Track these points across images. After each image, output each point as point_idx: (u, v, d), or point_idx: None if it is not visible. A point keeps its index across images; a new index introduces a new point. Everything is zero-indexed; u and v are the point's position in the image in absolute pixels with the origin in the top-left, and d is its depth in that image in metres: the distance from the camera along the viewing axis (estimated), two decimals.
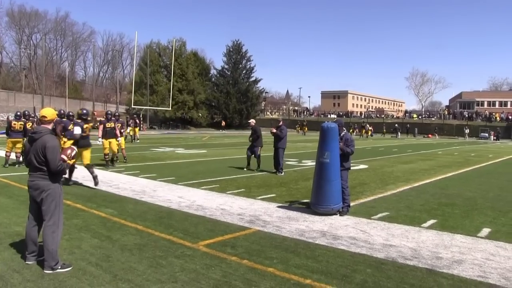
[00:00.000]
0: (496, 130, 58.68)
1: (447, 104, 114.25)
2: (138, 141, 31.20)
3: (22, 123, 14.57)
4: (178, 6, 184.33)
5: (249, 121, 16.28)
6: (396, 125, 60.33)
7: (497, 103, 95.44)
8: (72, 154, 5.23)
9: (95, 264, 5.14)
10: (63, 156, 5.09)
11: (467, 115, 71.89)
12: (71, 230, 6.52)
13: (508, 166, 19.57)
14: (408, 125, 64.08)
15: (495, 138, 56.31)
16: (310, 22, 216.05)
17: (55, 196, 4.99)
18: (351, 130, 55.99)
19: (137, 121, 34.06)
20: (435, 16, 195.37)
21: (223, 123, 70.14)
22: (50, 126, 5.18)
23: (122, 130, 17.33)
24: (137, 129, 32.75)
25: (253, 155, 14.89)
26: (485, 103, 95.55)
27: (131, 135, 31.53)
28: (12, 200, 8.94)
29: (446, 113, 78.42)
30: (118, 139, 16.10)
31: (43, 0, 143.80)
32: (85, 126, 11.21)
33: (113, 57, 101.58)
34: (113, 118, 15.99)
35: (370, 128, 57.97)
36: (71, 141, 14.59)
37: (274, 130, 14.35)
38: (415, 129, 62.97)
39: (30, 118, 15.46)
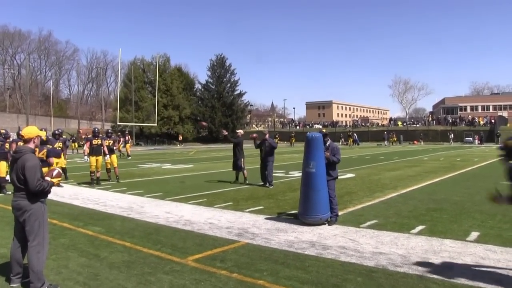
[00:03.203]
0: (479, 134, 59.33)
1: (431, 110, 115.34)
2: (129, 157, 30.90)
3: None
4: (161, 22, 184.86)
5: (237, 131, 16.14)
6: (385, 132, 60.61)
7: (479, 108, 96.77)
8: (54, 174, 5.16)
9: (83, 283, 5.05)
10: (47, 177, 5.01)
11: (451, 121, 72.67)
12: (57, 250, 6.43)
13: (494, 169, 19.71)
14: (393, 133, 64.43)
15: (479, 142, 56.92)
16: (292, 34, 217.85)
17: (38, 216, 4.90)
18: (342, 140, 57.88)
19: (128, 137, 33.95)
20: (416, 24, 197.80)
21: (180, 137, 66.66)
22: (32, 145, 5.11)
23: (114, 147, 16.81)
24: (128, 146, 32.67)
25: (239, 170, 14.82)
26: (468, 108, 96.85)
27: (127, 152, 32.03)
28: None
29: (430, 119, 79.22)
30: (106, 157, 15.80)
31: (26, 19, 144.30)
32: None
33: (97, 75, 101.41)
34: (100, 135, 15.74)
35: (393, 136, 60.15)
36: (57, 159, 14.54)
37: (254, 135, 14.61)
38: (401, 136, 63.35)
39: (7, 140, 14.20)
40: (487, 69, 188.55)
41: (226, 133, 15.46)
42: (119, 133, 37.27)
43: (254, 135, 15.28)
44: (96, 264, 5.78)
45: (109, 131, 18.52)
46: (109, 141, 16.00)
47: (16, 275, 4.98)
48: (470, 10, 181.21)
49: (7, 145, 13.12)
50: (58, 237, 7.24)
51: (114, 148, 16.75)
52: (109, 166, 15.85)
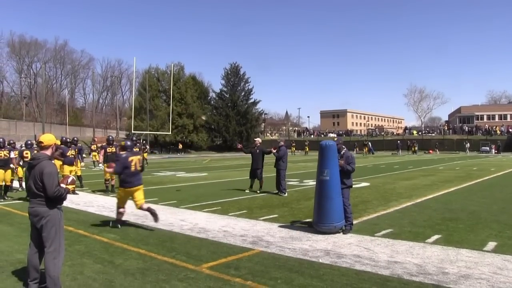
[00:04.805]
0: (497, 143, 58.67)
1: (447, 119, 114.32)
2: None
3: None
4: (175, 31, 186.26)
5: (255, 139, 16.14)
6: (399, 142, 60.42)
7: (496, 117, 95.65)
8: (69, 181, 5.25)
9: None
10: (62, 184, 5.08)
11: (467, 130, 71.97)
12: (73, 256, 6.48)
13: (511, 178, 19.49)
14: (408, 142, 63.99)
15: (496, 151, 56.26)
16: (308, 43, 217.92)
17: (55, 222, 4.95)
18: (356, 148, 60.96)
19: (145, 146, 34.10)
20: (431, 32, 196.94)
21: (180, 146, 66.43)
22: (49, 152, 5.18)
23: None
24: (145, 154, 32.69)
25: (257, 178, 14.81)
26: (485, 117, 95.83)
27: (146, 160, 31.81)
28: (13, 227, 8.90)
29: (446, 128, 78.46)
30: None
31: (43, 29, 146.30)
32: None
33: (112, 84, 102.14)
34: (115, 143, 15.76)
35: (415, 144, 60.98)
36: (71, 167, 14.75)
37: (274, 150, 14.31)
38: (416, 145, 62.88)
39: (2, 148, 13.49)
40: (504, 78, 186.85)
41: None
42: (143, 141, 37.38)
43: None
44: (111, 271, 5.81)
45: (133, 138, 18.62)
46: (137, 148, 16.01)
47: (33, 280, 5.03)
48: (486, 16, 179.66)
49: (3, 153, 13.21)
50: (74, 244, 7.29)
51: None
52: None
